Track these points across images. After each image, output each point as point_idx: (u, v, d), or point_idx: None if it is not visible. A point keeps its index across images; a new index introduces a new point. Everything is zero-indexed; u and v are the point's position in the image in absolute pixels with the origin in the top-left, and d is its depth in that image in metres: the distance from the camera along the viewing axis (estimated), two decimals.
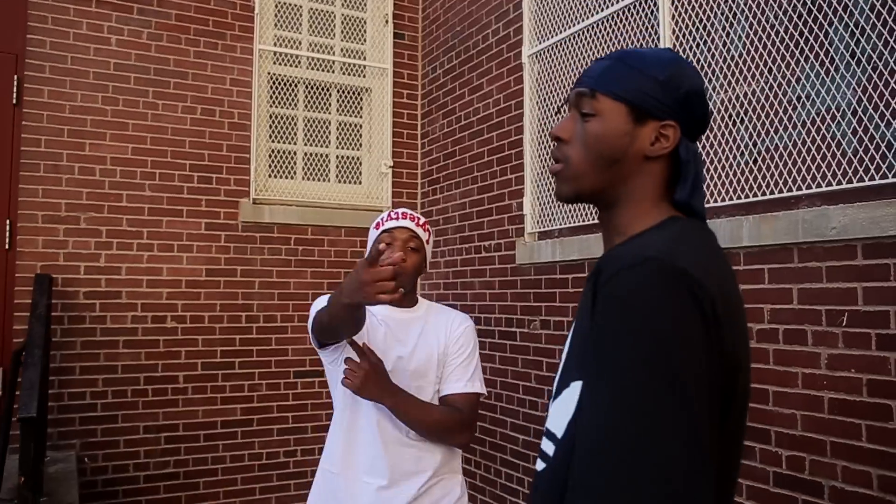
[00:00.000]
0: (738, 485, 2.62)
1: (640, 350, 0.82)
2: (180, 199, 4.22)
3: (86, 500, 3.72)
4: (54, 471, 3.50)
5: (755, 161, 2.67)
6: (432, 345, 2.05)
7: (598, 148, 1.02)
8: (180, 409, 4.14)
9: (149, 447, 4.06)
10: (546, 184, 3.73)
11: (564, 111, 1.13)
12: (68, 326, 3.91)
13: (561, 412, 0.93)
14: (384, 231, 2.01)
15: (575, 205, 3.49)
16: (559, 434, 0.92)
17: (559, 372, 1.00)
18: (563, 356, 1.01)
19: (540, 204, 3.78)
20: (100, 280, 4.01)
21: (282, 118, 4.62)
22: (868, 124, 2.28)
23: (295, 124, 4.66)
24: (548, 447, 0.95)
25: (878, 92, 2.25)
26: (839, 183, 2.35)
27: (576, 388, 0.90)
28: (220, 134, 4.34)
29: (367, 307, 1.96)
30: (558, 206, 3.64)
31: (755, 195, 2.64)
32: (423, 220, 2.07)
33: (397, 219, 2.02)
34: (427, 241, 2.06)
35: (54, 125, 3.97)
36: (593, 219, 3.39)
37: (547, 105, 3.75)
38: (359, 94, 4.89)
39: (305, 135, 4.68)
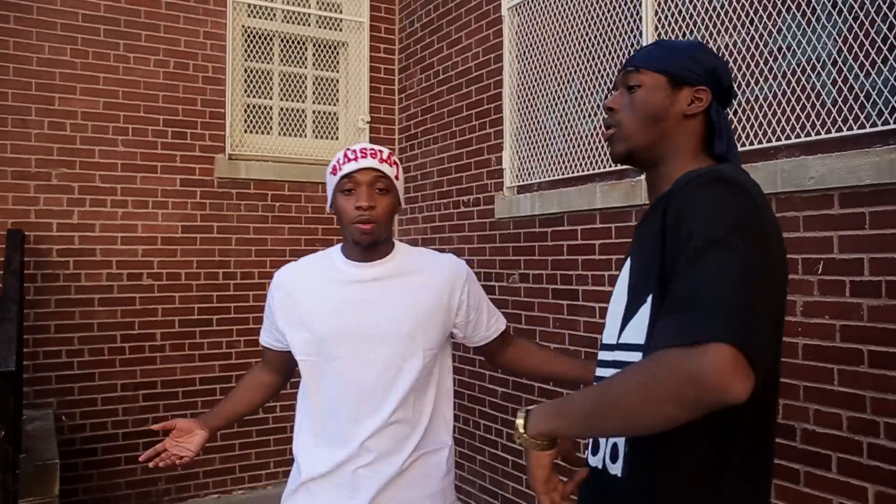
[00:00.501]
0: None
1: (711, 225, 0.98)
2: (154, 154, 4.15)
3: (64, 457, 3.69)
4: (32, 428, 3.48)
5: (735, 113, 2.68)
6: (421, 301, 1.74)
7: (644, 109, 1.21)
8: (158, 366, 4.13)
9: (127, 405, 4.05)
10: (525, 137, 3.72)
11: (611, 93, 1.33)
12: (41, 284, 3.86)
13: (640, 324, 1.10)
14: (344, 176, 1.68)
15: (555, 159, 3.50)
16: (642, 341, 1.09)
17: (626, 299, 1.16)
18: (626, 285, 1.17)
19: (519, 158, 3.77)
20: (73, 237, 3.95)
21: (257, 72, 4.54)
22: (847, 74, 2.30)
23: (270, 79, 4.58)
24: (631, 356, 1.11)
25: (857, 42, 2.26)
26: (818, 133, 2.38)
27: (648, 300, 1.08)
28: (193, 88, 4.26)
29: (326, 261, 1.81)
30: (537, 160, 3.64)
31: (739, 145, 2.66)
32: (387, 152, 1.73)
33: (356, 159, 1.67)
34: (397, 177, 1.74)
35: (21, 78, 3.86)
36: (572, 172, 3.40)
37: (527, 58, 3.72)
38: (335, 48, 4.81)
39: (281, 89, 4.61)
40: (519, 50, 3.79)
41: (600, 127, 3.23)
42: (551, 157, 3.56)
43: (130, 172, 4.09)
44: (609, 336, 1.21)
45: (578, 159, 3.39)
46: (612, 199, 3.15)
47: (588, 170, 3.33)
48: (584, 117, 3.38)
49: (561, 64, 3.51)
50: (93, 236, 3.99)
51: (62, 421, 3.85)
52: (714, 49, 2.77)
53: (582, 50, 3.38)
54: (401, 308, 1.72)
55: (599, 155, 3.27)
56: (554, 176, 3.52)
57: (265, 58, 4.56)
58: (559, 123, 3.53)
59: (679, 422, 0.96)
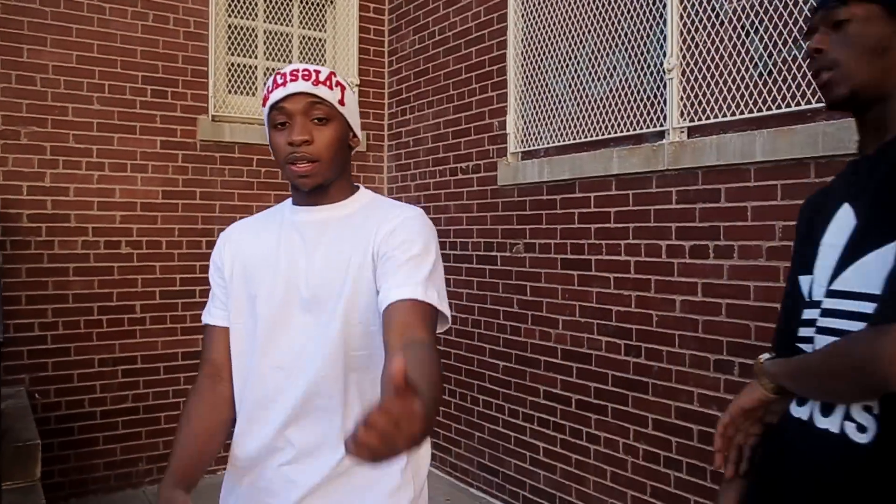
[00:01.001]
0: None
1: None
2: (133, 114, 3.87)
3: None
4: (5, 407, 3.23)
5: (770, 73, 2.56)
6: (343, 251, 1.35)
7: (863, 42, 1.09)
8: (138, 340, 3.89)
9: (105, 381, 3.80)
10: (531, 101, 3.56)
11: (809, 39, 1.21)
12: (11, 252, 3.58)
13: (866, 270, 0.99)
14: (273, 108, 1.35)
15: (565, 123, 3.34)
16: (869, 290, 0.98)
17: (845, 242, 1.06)
18: (846, 235, 1.07)
19: (524, 122, 3.61)
20: (45, 202, 3.66)
21: (241, 29, 4.27)
22: None
23: (255, 37, 4.32)
24: (861, 307, 1.00)
25: None
26: None
27: (890, 248, 0.96)
28: (174, 44, 3.98)
29: (276, 212, 1.50)
30: (545, 125, 3.48)
31: (769, 109, 2.54)
32: (326, 72, 1.36)
33: (284, 84, 1.33)
34: (342, 102, 1.36)
35: None
36: (585, 136, 3.25)
37: (533, 17, 3.54)
38: (322, 6, 4.56)
39: (266, 48, 4.35)
40: (525, 9, 3.61)
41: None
42: (561, 121, 3.40)
43: (107, 133, 3.81)
44: (818, 292, 1.11)
45: (591, 123, 3.24)
46: (631, 164, 3.01)
47: (602, 134, 3.18)
48: (598, 79, 3.22)
49: (572, 23, 3.34)
50: (67, 201, 3.71)
51: (36, 399, 3.60)
52: (743, 7, 2.64)
53: (595, 7, 3.22)
54: (325, 258, 1.36)
55: (615, 118, 3.12)
56: (564, 141, 3.37)
57: (249, 14, 4.29)
58: (570, 86, 3.37)
59: (859, 400, 0.99)
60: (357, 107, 1.42)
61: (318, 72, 1.34)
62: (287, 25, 4.43)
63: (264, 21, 4.35)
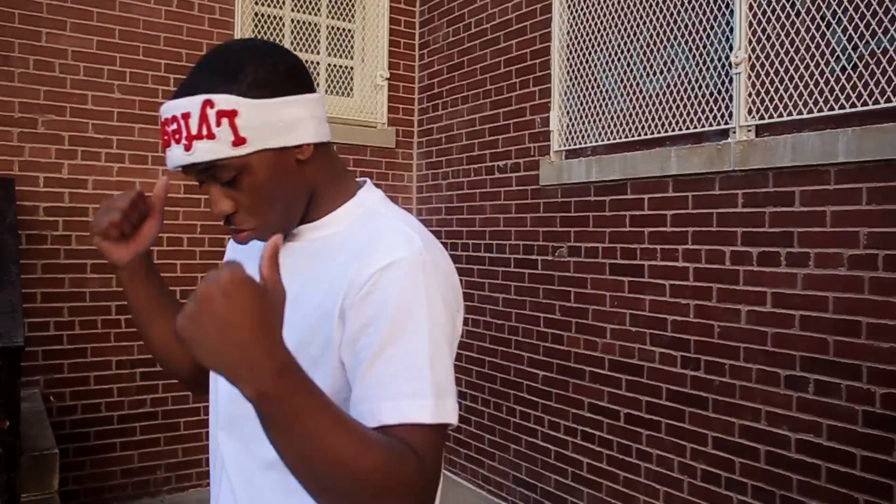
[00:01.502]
0: (816, 424, 2.40)
1: None
2: (154, 103, 3.68)
3: None
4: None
5: (854, 67, 2.37)
6: (314, 295, 1.00)
7: None
8: None
9: (123, 384, 3.61)
10: (577, 97, 3.37)
11: None
12: (27, 246, 3.39)
13: None
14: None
15: (616, 121, 3.15)
16: None
17: None
18: None
19: (569, 119, 3.42)
20: (62, 194, 3.48)
21: (267, 18, 4.08)
22: None
23: (282, 26, 4.13)
24: None
25: None
26: None
27: None
28: (199, 31, 3.79)
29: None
30: (593, 122, 3.29)
31: (852, 105, 2.35)
32: (196, 111, 0.92)
33: (163, 148, 0.99)
34: (238, 139, 0.93)
35: (2, 8, 3.35)
36: (638, 135, 3.06)
37: (581, 8, 3.35)
38: None
39: (293, 38, 4.16)
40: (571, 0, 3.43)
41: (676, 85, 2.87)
42: (610, 118, 3.21)
43: (128, 123, 3.62)
44: None
45: (645, 121, 3.05)
46: (692, 164, 2.82)
47: (657, 132, 2.99)
48: (654, 74, 3.04)
49: (624, 14, 3.16)
50: (85, 193, 3.52)
51: (50, 402, 3.41)
52: None
53: None
54: (297, 301, 0.93)
55: (672, 116, 2.93)
56: (614, 139, 3.18)
57: (276, 2, 4.10)
58: (621, 81, 3.18)
59: None
60: (285, 107, 0.97)
61: (187, 117, 0.93)
62: (315, 15, 4.24)
63: (292, 10, 4.16)
